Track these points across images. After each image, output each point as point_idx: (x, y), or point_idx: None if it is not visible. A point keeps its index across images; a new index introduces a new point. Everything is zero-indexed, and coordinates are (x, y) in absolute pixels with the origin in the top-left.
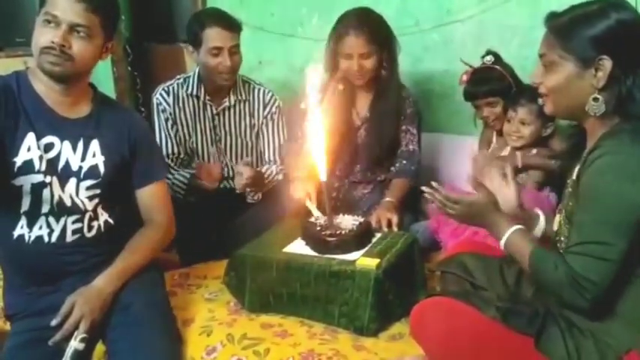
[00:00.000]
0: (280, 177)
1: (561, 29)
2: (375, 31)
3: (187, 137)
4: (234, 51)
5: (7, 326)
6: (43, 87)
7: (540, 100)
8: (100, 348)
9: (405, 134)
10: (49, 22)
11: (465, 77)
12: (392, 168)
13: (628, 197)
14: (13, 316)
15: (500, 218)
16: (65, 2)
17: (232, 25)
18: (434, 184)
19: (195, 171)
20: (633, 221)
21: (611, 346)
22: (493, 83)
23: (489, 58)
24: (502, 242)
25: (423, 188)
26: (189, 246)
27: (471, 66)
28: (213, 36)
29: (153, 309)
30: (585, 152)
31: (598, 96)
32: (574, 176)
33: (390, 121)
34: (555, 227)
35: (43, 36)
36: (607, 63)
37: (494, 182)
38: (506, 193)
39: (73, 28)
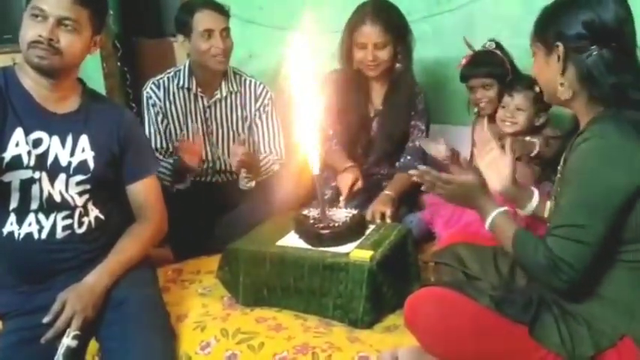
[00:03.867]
0: (276, 167)
1: (537, 22)
2: (391, 22)
3: (179, 130)
4: (226, 34)
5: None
6: (31, 82)
7: (537, 88)
8: (93, 345)
9: (414, 130)
10: (36, 16)
11: (464, 61)
12: (397, 163)
13: (608, 181)
14: (5, 315)
15: (488, 200)
16: None
17: (221, 9)
18: (421, 167)
19: (178, 150)
20: (613, 205)
21: (605, 332)
22: (491, 66)
23: (491, 44)
24: (487, 223)
25: (411, 172)
26: (183, 241)
27: (473, 49)
28: (204, 19)
29: (146, 305)
30: (573, 138)
31: (562, 81)
32: (562, 162)
33: (401, 115)
34: (546, 214)
35: (31, 30)
36: (560, 48)
37: (492, 153)
38: (501, 166)
39: (60, 21)
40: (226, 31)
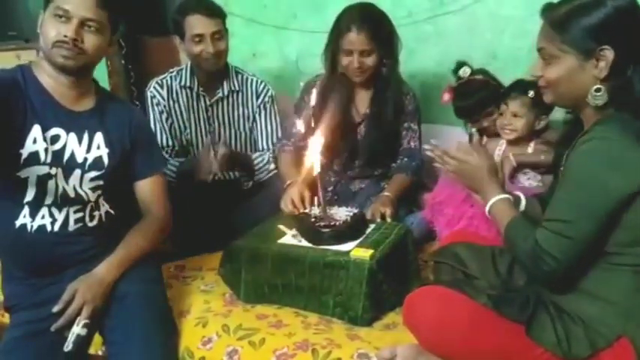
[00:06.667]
0: (272, 166)
1: (559, 22)
2: (377, 28)
3: (182, 129)
4: (218, 37)
5: (5, 319)
6: (49, 80)
7: (530, 93)
8: (97, 338)
9: (407, 131)
10: (60, 16)
11: (446, 96)
12: (393, 165)
13: (602, 183)
14: (13, 307)
15: (492, 185)
16: None
17: (212, 12)
18: (433, 141)
19: (192, 162)
20: (605, 207)
21: (601, 332)
22: (479, 93)
23: (464, 70)
24: (487, 208)
25: (425, 146)
26: (186, 238)
27: (448, 85)
28: (194, 23)
29: (149, 300)
30: (577, 137)
31: (600, 86)
32: (564, 160)
33: (389, 118)
34: None
35: (55, 30)
36: (608, 53)
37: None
38: None
39: (84, 22)
40: (219, 34)
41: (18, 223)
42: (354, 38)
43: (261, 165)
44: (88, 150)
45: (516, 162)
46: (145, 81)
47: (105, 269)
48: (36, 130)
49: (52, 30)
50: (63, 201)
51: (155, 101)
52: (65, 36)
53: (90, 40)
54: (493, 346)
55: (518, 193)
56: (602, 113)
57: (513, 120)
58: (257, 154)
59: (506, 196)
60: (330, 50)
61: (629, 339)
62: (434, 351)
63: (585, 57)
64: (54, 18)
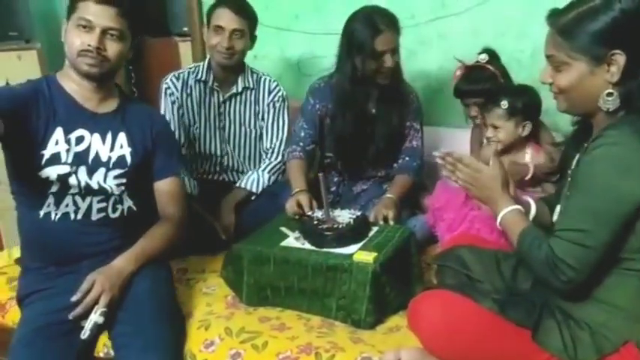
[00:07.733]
0: (274, 178)
1: (567, 28)
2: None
3: (192, 123)
4: (237, 35)
5: (5, 320)
6: (74, 86)
7: (503, 103)
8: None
9: (409, 130)
10: (83, 26)
11: (458, 72)
12: (395, 164)
13: (617, 189)
14: (27, 298)
15: (504, 196)
16: (97, 8)
17: (240, 10)
18: (443, 149)
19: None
20: (620, 214)
21: (608, 337)
22: (483, 83)
23: (483, 57)
24: (498, 219)
25: (435, 153)
26: (188, 239)
27: (463, 63)
28: (219, 15)
29: (159, 297)
30: (588, 142)
31: (612, 91)
32: (574, 165)
33: (396, 116)
34: (555, 217)
35: (79, 39)
36: (620, 57)
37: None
38: None
39: (106, 31)
40: (240, 32)
41: (42, 212)
42: (389, 38)
43: (258, 189)
44: (112, 149)
45: (532, 174)
46: (146, 82)
47: (123, 262)
48: (58, 133)
49: (76, 39)
50: (87, 192)
51: (169, 92)
52: (89, 45)
53: (112, 48)
54: (498, 350)
55: (529, 199)
56: (613, 117)
57: (495, 131)
58: (249, 182)
59: (518, 207)
60: (364, 55)
61: (636, 344)
62: (439, 355)
63: (596, 62)
64: (77, 28)
